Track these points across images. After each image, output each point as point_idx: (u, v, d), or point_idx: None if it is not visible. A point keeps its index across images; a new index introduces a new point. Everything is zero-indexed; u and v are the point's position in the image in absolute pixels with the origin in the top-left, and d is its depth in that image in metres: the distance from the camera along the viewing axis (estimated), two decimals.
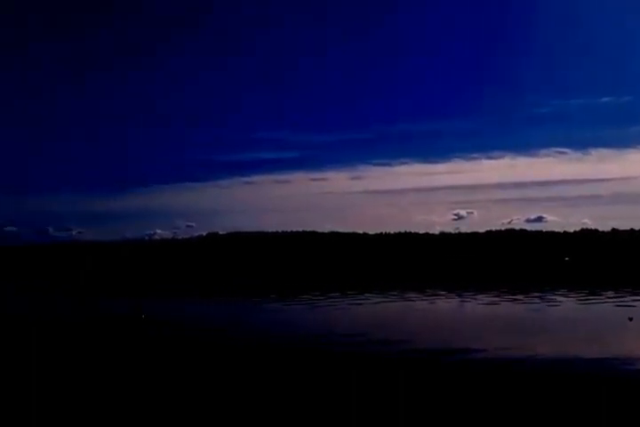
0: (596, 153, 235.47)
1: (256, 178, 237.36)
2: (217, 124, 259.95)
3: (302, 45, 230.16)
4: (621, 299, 29.50)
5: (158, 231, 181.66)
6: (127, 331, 19.68)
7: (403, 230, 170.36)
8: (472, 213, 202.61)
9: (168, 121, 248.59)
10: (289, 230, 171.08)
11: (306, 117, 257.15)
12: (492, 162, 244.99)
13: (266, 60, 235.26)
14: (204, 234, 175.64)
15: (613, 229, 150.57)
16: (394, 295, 34.71)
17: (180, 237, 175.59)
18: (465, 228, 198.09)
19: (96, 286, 49.73)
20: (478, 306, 28.73)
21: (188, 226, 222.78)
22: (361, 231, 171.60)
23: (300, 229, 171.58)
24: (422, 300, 31.92)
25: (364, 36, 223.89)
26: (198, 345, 16.43)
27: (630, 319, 20.95)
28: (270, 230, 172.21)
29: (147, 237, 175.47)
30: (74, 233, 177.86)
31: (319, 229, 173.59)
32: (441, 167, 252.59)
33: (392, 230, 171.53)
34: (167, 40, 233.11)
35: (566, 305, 28.20)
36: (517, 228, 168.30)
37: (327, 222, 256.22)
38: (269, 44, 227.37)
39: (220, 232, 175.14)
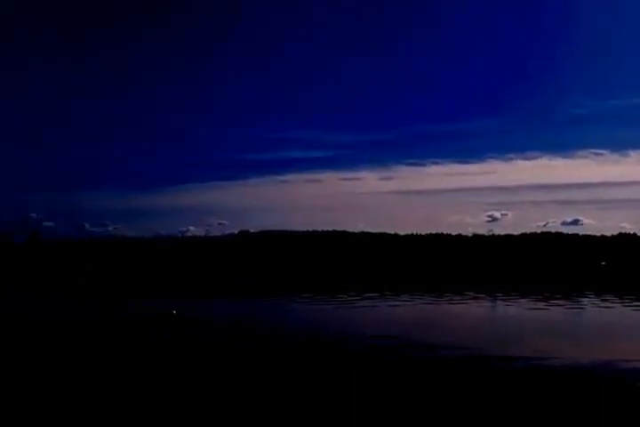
0: (635, 155, 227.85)
1: (287, 177, 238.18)
2: (247, 124, 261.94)
3: (334, 45, 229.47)
4: None
5: (191, 229, 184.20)
6: (149, 330, 19.73)
7: (434, 231, 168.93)
8: (506, 214, 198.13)
9: (201, 120, 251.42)
10: (319, 230, 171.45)
11: (337, 117, 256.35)
12: (528, 163, 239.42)
13: (297, 59, 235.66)
14: (236, 232, 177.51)
15: None
16: (431, 297, 34.46)
17: (212, 235, 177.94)
18: (499, 230, 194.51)
19: (130, 281, 50.72)
20: (520, 310, 28.27)
21: (219, 224, 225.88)
22: (392, 232, 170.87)
23: (331, 229, 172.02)
24: (461, 303, 31.59)
25: (402, 36, 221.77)
26: (208, 346, 16.32)
27: None
28: (300, 229, 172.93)
29: (180, 234, 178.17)
30: (110, 229, 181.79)
31: (350, 229, 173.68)
32: (474, 168, 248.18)
33: (423, 231, 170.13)
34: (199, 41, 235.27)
35: (612, 310, 27.51)
36: (553, 231, 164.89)
37: (358, 222, 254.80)
38: (300, 44, 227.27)
39: (252, 230, 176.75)
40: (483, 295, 36.24)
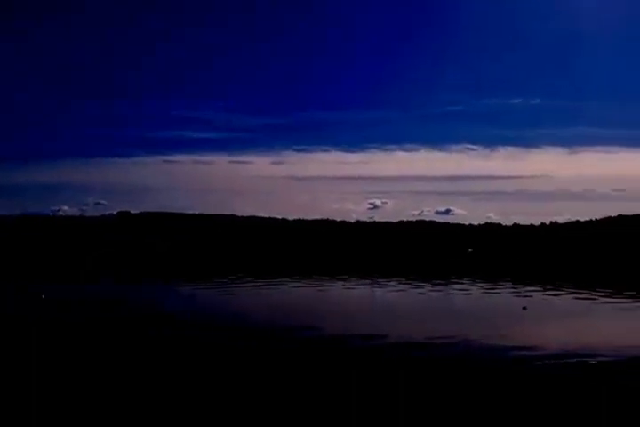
0: (503, 151, 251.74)
1: (175, 157, 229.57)
2: (135, 98, 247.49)
3: (234, 30, 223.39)
4: (518, 289, 31.79)
5: (64, 208, 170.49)
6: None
7: (320, 217, 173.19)
8: (386, 202, 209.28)
9: (84, 92, 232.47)
10: (207, 213, 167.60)
11: (231, 100, 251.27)
12: (407, 154, 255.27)
13: (195, 41, 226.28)
14: (115, 213, 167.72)
15: (515, 224, 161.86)
16: (307, 280, 35.32)
17: (88, 215, 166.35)
18: (379, 217, 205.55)
19: None
20: (389, 293, 29.99)
21: (97, 204, 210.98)
22: (280, 217, 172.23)
23: (219, 212, 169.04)
24: (332, 286, 32.77)
25: (297, 27, 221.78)
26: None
27: (524, 309, 22.31)
28: (187, 212, 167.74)
29: (51, 214, 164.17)
30: None
31: (239, 213, 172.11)
32: (358, 157, 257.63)
33: (310, 217, 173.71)
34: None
35: (468, 294, 29.95)
36: (427, 219, 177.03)
37: (247, 206, 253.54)
38: (198, 29, 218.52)
39: (133, 211, 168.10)
40: (361, 279, 37.90)
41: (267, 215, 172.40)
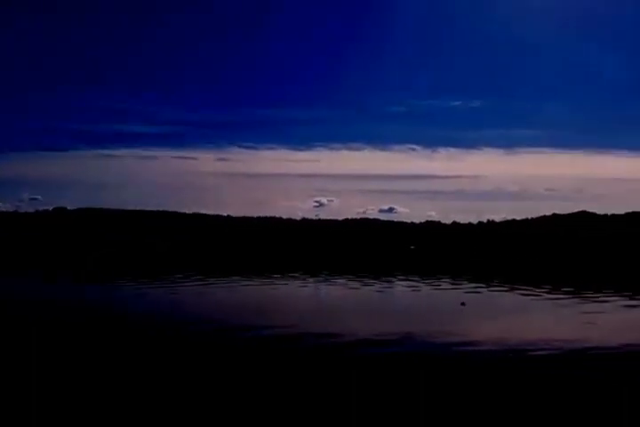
0: (444, 151, 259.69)
1: (116, 151, 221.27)
2: (75, 91, 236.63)
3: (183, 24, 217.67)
4: (458, 286, 32.98)
5: None
6: None
7: (266, 215, 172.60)
8: (332, 200, 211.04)
9: (19, 84, 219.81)
10: (149, 209, 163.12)
11: (176, 94, 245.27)
12: (352, 153, 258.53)
13: (140, 33, 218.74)
14: (50, 209, 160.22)
15: (454, 222, 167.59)
16: (259, 279, 35.18)
17: (22, 211, 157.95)
18: (325, 215, 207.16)
19: None
20: (332, 289, 30.50)
21: (32, 199, 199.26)
22: (225, 214, 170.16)
23: (162, 209, 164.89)
24: (285, 284, 32.88)
25: (241, 24, 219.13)
26: None
27: (463, 304, 22.99)
28: (128, 208, 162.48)
29: None
30: None
31: (182, 210, 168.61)
32: (304, 155, 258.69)
33: (256, 214, 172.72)
34: None
35: (409, 289, 30.77)
36: (372, 217, 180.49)
37: (192, 203, 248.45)
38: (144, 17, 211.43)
39: (69, 207, 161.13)
40: (312, 277, 38.14)
41: (212, 212, 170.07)
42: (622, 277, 45.04)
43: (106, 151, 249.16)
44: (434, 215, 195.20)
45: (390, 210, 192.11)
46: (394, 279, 36.72)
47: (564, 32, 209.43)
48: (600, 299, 25.78)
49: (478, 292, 29.26)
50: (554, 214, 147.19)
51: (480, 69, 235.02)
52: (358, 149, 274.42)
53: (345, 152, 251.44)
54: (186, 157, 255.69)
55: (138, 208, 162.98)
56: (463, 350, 13.79)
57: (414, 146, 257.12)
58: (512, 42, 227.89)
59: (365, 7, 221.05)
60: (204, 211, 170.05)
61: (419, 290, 30.52)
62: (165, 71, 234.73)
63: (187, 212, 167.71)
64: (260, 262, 59.01)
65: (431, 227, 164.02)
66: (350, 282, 34.28)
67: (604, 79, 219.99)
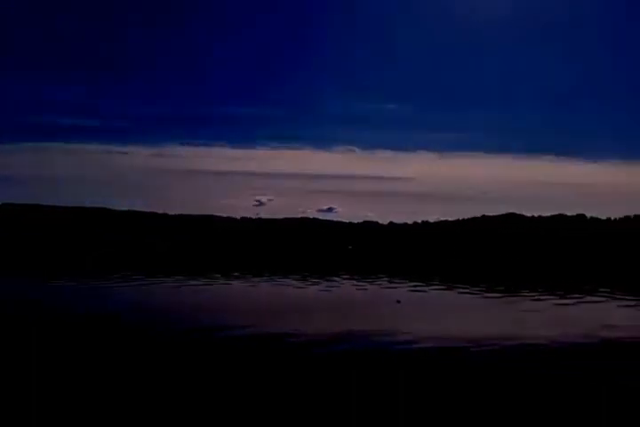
0: (380, 153, 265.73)
1: (43, 145, 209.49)
2: (6, 84, 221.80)
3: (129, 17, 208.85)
4: (394, 284, 33.82)
5: None
6: None
7: (205, 213, 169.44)
8: (272, 199, 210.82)
9: None
10: (78, 206, 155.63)
11: (112, 87, 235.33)
12: (292, 152, 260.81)
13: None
14: None
15: (391, 223, 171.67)
16: (202, 279, 34.61)
17: None
18: (265, 214, 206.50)
19: None
20: (273, 288, 30.73)
21: None
22: (161, 211, 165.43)
23: (92, 206, 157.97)
24: (229, 284, 32.60)
25: (187, 22, 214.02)
26: None
27: (398, 302, 23.83)
28: (56, 204, 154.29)
29: None
30: None
31: (115, 207, 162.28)
32: (244, 153, 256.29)
33: (194, 212, 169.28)
34: None
35: (346, 288, 31.35)
36: (311, 216, 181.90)
37: (125, 200, 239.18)
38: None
39: None
40: (255, 276, 37.89)
41: (146, 209, 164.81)
42: (552, 276, 47.99)
43: (34, 144, 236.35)
44: (371, 215, 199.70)
45: (329, 210, 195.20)
46: (338, 278, 37.22)
47: (500, 38, 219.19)
48: (535, 297, 27.50)
49: (420, 290, 30.30)
50: (483, 216, 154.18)
51: (416, 73, 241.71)
52: (299, 149, 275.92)
53: (286, 151, 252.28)
54: (119, 152, 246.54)
55: (69, 205, 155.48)
56: (407, 348, 14.25)
57: (353, 147, 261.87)
58: (448, 47, 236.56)
59: (308, 9, 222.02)
60: (137, 208, 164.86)
61: (357, 288, 31.32)
62: (104, 64, 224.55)
63: (118, 209, 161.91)
64: (199, 262, 58.01)
65: (369, 227, 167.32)
66: (295, 282, 34.45)
67: (537, 85, 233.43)
